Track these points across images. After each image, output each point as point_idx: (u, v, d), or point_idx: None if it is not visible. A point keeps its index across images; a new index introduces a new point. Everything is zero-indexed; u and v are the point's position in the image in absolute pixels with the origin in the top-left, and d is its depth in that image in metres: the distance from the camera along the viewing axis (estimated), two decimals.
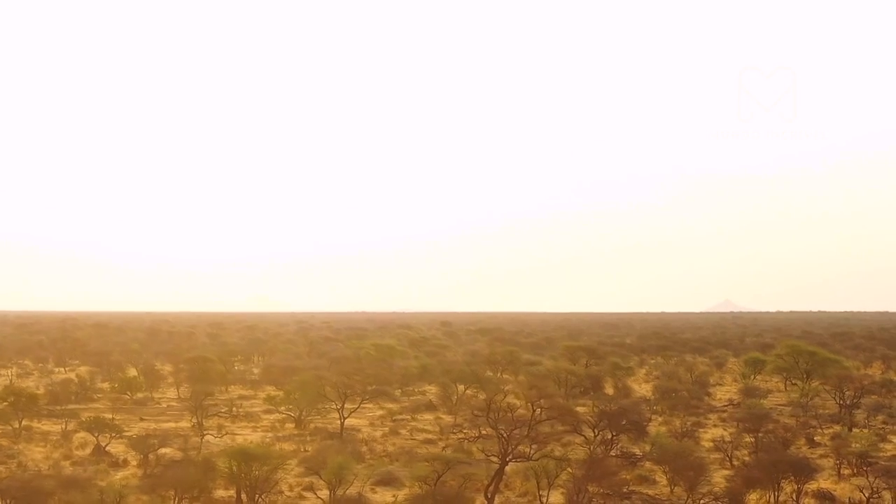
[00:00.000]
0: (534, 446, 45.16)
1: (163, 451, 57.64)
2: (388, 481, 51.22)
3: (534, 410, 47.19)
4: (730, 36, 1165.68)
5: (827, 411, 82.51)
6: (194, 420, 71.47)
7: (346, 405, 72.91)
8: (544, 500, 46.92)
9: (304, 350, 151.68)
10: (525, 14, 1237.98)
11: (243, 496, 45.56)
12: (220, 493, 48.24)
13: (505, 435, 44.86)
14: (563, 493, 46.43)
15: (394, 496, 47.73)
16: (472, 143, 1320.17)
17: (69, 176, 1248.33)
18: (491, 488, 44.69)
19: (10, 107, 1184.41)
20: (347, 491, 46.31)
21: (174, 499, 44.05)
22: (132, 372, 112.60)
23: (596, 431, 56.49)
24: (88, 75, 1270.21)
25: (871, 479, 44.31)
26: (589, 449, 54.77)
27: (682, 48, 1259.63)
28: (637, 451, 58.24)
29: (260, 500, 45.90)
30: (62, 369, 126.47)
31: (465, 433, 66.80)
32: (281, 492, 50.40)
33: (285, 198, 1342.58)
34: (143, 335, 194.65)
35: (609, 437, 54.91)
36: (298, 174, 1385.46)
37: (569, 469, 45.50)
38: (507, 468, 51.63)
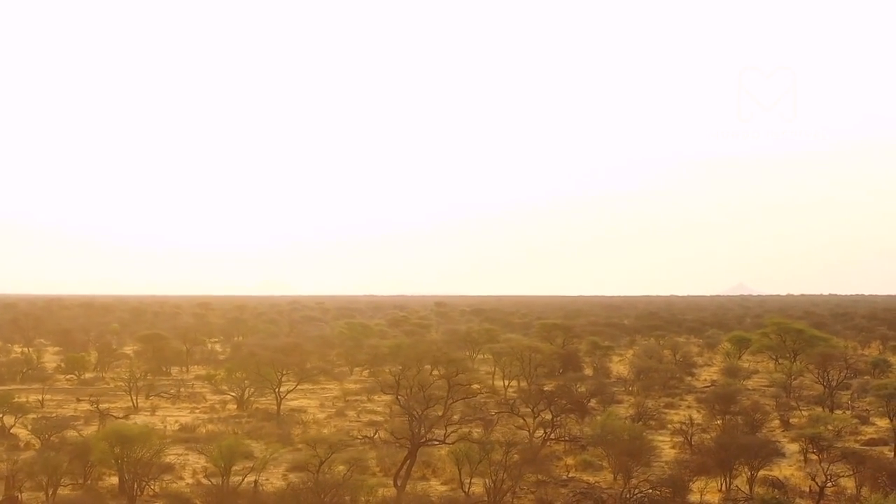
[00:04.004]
0: (450, 428, 40.10)
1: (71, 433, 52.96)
2: (304, 467, 46.37)
3: (450, 388, 42.05)
4: (730, 36, 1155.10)
5: (813, 392, 77.65)
6: (90, 403, 66.53)
7: (296, 386, 68.58)
8: (467, 487, 41.92)
9: (285, 330, 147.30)
10: (529, 13, 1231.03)
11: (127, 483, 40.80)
12: (113, 479, 43.73)
13: (417, 415, 39.87)
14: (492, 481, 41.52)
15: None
16: (497, 130, 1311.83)
17: (87, 164, 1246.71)
18: (401, 474, 39.79)
19: (17, 95, 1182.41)
20: (248, 477, 41.57)
21: (45, 487, 39.47)
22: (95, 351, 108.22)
23: (535, 412, 51.39)
24: (94, 62, 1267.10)
25: (826, 465, 39.21)
26: (528, 432, 49.86)
27: (682, 48, 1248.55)
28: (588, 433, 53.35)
29: (147, 487, 41.24)
30: (26, 348, 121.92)
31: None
32: (181, 478, 45.97)
33: (296, 184, 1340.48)
34: (128, 315, 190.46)
35: (550, 418, 49.71)
36: (312, 161, 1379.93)
37: (489, 455, 40.20)
38: (443, 452, 47.03)
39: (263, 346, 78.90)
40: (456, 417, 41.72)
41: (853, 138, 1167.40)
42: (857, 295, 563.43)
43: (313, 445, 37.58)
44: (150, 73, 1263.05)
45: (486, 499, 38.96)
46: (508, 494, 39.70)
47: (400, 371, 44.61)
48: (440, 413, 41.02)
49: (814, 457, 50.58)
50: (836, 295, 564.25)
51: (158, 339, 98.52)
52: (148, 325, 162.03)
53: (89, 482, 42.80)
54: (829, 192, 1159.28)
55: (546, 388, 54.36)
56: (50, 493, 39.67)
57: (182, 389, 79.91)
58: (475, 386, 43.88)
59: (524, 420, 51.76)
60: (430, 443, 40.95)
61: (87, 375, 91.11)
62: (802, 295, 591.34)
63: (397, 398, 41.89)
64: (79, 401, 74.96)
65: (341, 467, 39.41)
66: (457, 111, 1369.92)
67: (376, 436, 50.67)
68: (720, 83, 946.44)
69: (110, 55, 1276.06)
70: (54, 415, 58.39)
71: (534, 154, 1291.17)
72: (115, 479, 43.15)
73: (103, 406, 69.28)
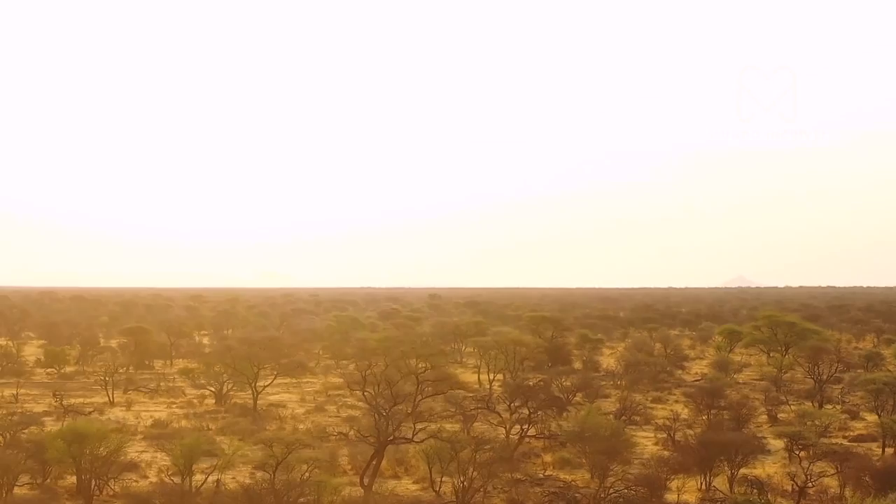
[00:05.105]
0: (420, 426, 38.71)
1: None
2: (262, 466, 44.91)
3: (419, 383, 40.65)
4: (730, 36, 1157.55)
5: (803, 386, 76.36)
6: (55, 398, 65.19)
7: (272, 381, 67.09)
8: (438, 486, 40.55)
9: (276, 323, 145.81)
10: (533, 12, 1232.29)
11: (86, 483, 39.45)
12: (74, 478, 42.32)
13: (384, 412, 38.50)
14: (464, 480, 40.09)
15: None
16: (498, 123, 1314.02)
17: (86, 157, 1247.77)
18: (368, 473, 38.42)
19: (12, 88, 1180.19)
20: (214, 475, 40.21)
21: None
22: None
23: (512, 408, 49.99)
24: (90, 54, 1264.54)
25: (807, 464, 37.82)
26: (505, 429, 48.47)
27: (683, 48, 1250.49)
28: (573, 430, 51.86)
29: (106, 486, 39.87)
30: (10, 341, 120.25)
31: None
32: (146, 476, 44.62)
33: (294, 176, 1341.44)
34: (119, 308, 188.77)
35: (527, 414, 48.30)
36: (311, 154, 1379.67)
37: (460, 453, 38.79)
38: (417, 449, 45.62)
39: (242, 340, 77.43)
40: (426, 414, 40.26)
41: (853, 132, 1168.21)
42: (855, 287, 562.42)
43: (269, 445, 36.10)
44: (146, 65, 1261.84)
45: (454, 498, 37.61)
46: (479, 493, 38.38)
47: (367, 366, 43.00)
48: (409, 410, 39.57)
49: (799, 454, 49.34)
50: (834, 287, 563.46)
51: (142, 333, 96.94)
52: (139, 318, 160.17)
53: (48, 481, 41.49)
54: (827, 184, 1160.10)
55: (529, 383, 52.83)
56: (4, 492, 38.37)
57: (161, 384, 78.54)
58: (446, 381, 42.29)
59: (501, 416, 50.42)
60: (397, 441, 39.57)
61: (69, 369, 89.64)
62: (801, 287, 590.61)
63: (363, 394, 40.48)
64: (54, 396, 73.64)
65: (305, 466, 38.09)
66: (456, 105, 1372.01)
67: (351, 433, 49.39)
68: (720, 83, 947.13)
69: (106, 48, 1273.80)
70: (20, 411, 56.93)
71: (533, 147, 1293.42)
72: (75, 479, 41.85)
73: (78, 401, 68.16)
